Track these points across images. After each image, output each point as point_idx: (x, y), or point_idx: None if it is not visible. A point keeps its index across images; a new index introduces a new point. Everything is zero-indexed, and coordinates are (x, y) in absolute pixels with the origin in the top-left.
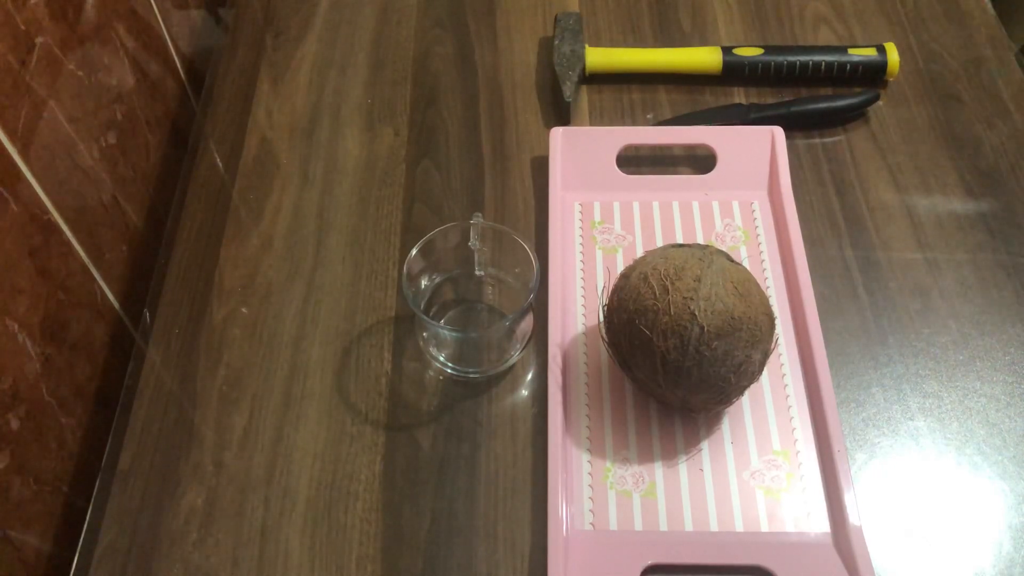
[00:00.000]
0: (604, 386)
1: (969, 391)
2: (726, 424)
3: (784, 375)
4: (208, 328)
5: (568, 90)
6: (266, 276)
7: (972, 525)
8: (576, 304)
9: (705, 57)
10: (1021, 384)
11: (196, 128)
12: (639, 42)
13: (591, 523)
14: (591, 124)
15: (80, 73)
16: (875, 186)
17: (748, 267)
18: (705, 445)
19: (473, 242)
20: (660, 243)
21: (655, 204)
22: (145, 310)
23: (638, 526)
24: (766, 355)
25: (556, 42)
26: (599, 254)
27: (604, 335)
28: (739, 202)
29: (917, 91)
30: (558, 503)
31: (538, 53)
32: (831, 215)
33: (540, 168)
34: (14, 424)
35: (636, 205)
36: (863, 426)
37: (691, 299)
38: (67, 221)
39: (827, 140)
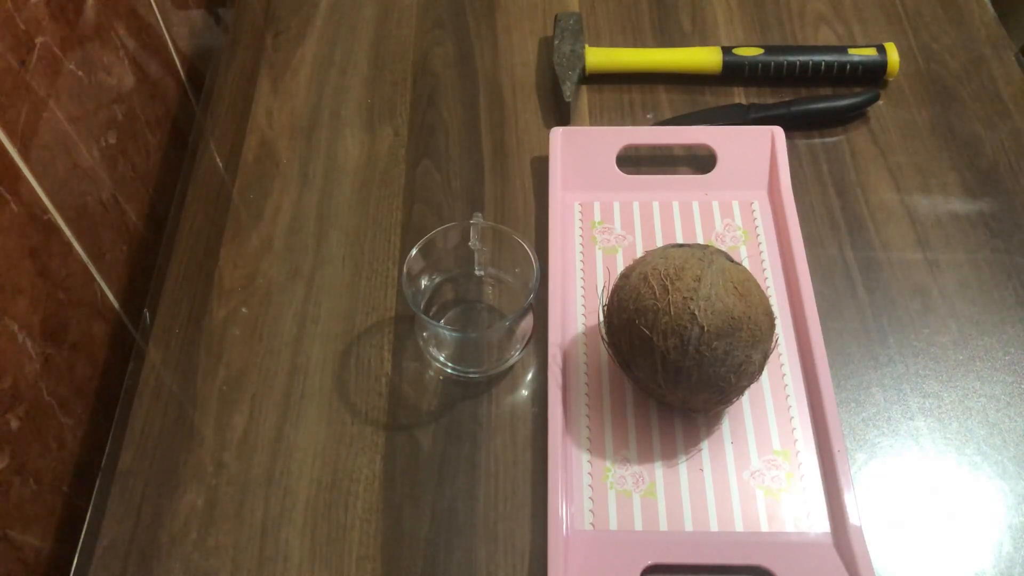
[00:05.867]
0: (604, 386)
1: (969, 391)
2: (726, 424)
3: (784, 375)
4: (208, 328)
5: (568, 90)
6: (266, 276)
7: (972, 525)
8: (576, 304)
9: (705, 57)
10: (1021, 384)
11: (196, 128)
12: (639, 42)
13: (591, 523)
14: (591, 124)
15: (80, 73)
16: (875, 186)
17: (748, 267)
18: (705, 445)
19: (473, 242)
20: (660, 243)
21: (655, 204)
22: (145, 310)
23: (638, 526)
24: (766, 355)
25: (556, 42)
26: (599, 254)
27: (604, 335)
28: (739, 202)
29: (917, 91)
30: (558, 503)
31: (538, 53)
32: (831, 215)
33: (540, 168)
34: (14, 424)
35: (636, 205)
36: (863, 426)
37: (691, 299)
38: (67, 221)
39: (827, 140)
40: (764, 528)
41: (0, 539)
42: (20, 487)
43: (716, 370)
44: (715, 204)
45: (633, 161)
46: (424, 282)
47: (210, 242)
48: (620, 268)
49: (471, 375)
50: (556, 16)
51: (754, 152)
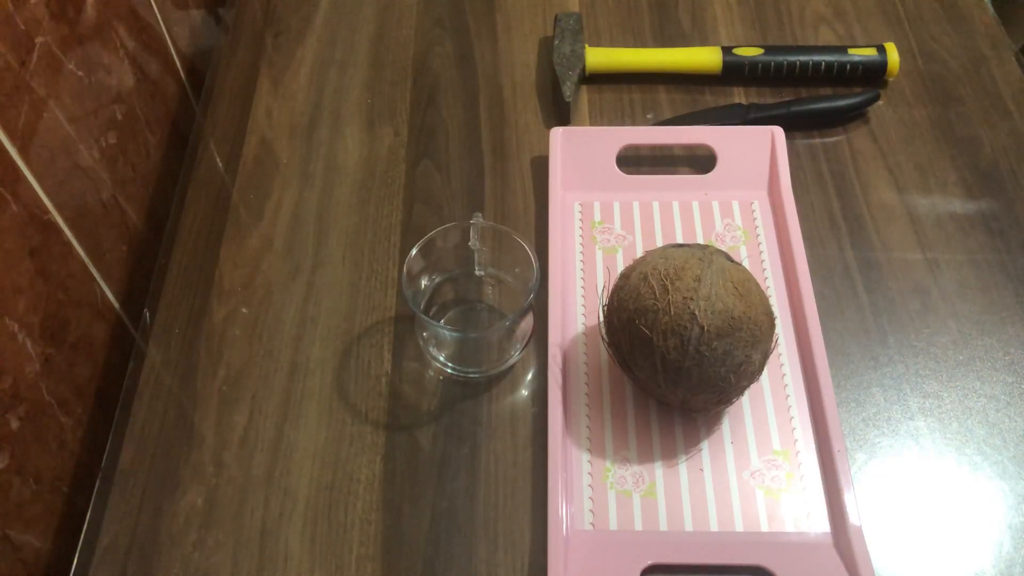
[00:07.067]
0: (604, 386)
1: (969, 391)
2: (726, 424)
3: (784, 375)
4: (208, 328)
5: (568, 90)
6: (266, 276)
7: (972, 525)
8: (576, 304)
9: (705, 57)
10: (1021, 384)
11: (196, 128)
12: (639, 42)
13: (591, 523)
14: (591, 124)
15: (80, 73)
16: (875, 186)
17: (748, 267)
18: (705, 445)
19: (473, 242)
20: (660, 243)
21: (655, 204)
22: (145, 310)
23: (638, 526)
24: (766, 355)
25: (556, 42)
26: (599, 254)
27: (604, 335)
28: (739, 202)
29: (917, 91)
30: (558, 503)
31: (538, 53)
32: (831, 215)
33: (540, 168)
34: (14, 424)
35: (636, 205)
36: (863, 426)
37: (691, 299)
38: (67, 221)
39: (827, 140)
40: (764, 528)
41: (0, 539)
42: (20, 487)
43: (716, 370)
44: (715, 204)
45: (633, 161)
46: (424, 282)
47: (210, 242)
48: (620, 268)
49: (471, 375)
50: (556, 16)
51: (754, 152)
